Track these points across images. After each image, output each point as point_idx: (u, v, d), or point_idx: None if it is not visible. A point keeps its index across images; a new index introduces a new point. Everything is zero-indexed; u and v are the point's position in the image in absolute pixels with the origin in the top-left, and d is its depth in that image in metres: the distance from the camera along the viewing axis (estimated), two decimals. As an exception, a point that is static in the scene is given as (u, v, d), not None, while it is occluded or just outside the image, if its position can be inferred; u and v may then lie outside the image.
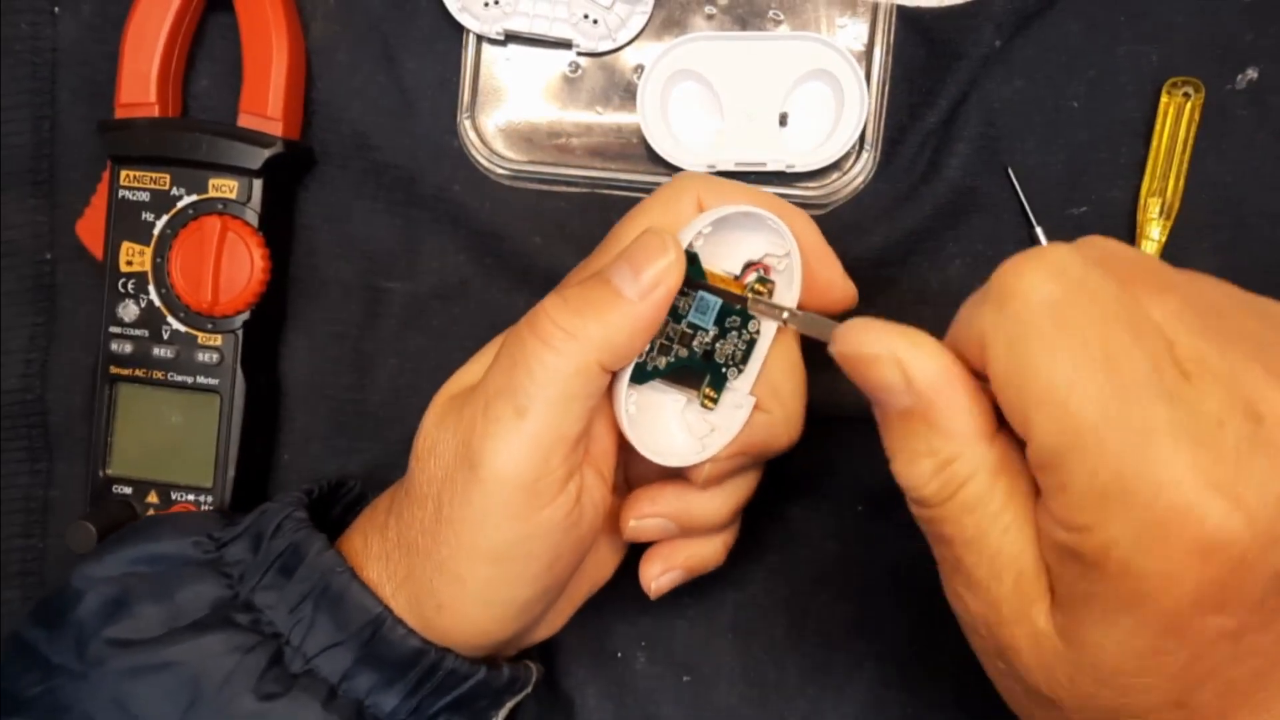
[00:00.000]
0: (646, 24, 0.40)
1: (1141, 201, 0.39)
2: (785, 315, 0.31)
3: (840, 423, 0.41)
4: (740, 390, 0.33)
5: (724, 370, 0.33)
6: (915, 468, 0.26)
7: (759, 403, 0.33)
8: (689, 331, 0.32)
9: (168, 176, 0.38)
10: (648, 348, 0.32)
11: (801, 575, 0.41)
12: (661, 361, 0.32)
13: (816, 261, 0.34)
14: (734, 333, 0.33)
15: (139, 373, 0.39)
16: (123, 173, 0.38)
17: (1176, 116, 0.39)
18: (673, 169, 0.40)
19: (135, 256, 0.39)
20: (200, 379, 0.38)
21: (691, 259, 0.31)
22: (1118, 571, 0.22)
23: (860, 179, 0.40)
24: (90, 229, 0.40)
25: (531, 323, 0.30)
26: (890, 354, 0.26)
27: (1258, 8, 0.39)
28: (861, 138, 0.39)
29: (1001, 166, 0.40)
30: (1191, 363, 0.23)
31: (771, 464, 0.42)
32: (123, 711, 0.31)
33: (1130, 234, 0.40)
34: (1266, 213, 0.39)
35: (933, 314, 0.40)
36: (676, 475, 0.34)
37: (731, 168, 0.39)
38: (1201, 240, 0.39)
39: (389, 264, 0.41)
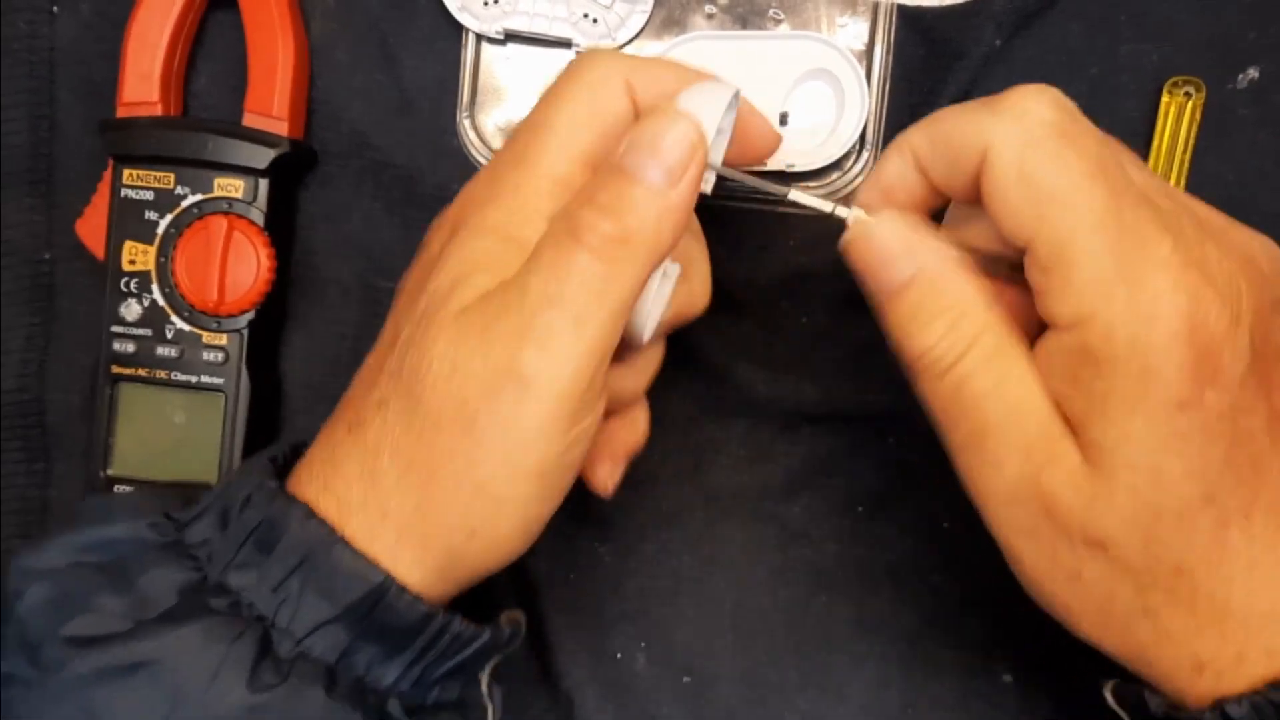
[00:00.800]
0: (646, 23, 0.41)
1: (1142, 201, 0.41)
2: (832, 209, 0.32)
3: (840, 422, 0.42)
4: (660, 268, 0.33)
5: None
6: (928, 329, 0.29)
7: (685, 275, 0.34)
8: None
9: (172, 176, 0.40)
10: None
11: (801, 576, 0.42)
12: None
13: (749, 115, 0.34)
14: None
15: (141, 372, 0.41)
16: (125, 172, 0.40)
17: (1178, 116, 0.40)
18: (673, 168, 0.41)
19: (138, 255, 0.40)
20: (204, 378, 0.40)
21: None
22: (1124, 354, 0.27)
23: (861, 178, 0.41)
24: (90, 228, 0.41)
25: (574, 234, 0.29)
26: (899, 226, 0.30)
27: (1259, 7, 0.41)
28: (862, 137, 0.41)
29: (1002, 166, 0.41)
30: (1143, 185, 0.29)
31: (771, 464, 0.43)
32: None
33: (1131, 233, 0.41)
34: (1268, 212, 0.41)
35: (933, 313, 0.42)
36: None
37: (732, 167, 0.41)
38: (1202, 240, 0.41)
39: (388, 263, 0.43)
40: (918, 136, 0.31)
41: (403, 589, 0.29)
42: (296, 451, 0.34)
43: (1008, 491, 0.29)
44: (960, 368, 0.29)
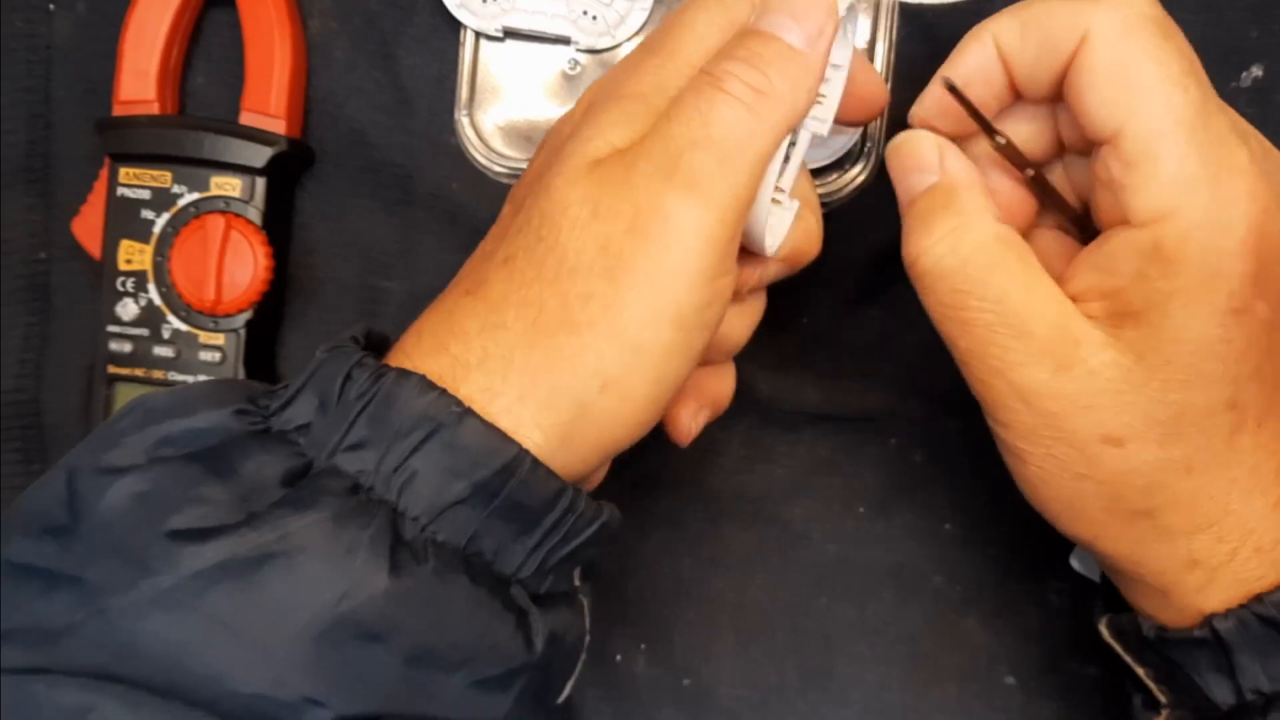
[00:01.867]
0: (646, 20, 0.42)
1: (1144, 200, 0.41)
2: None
3: (841, 422, 0.42)
4: (785, 192, 0.33)
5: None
6: (932, 228, 0.30)
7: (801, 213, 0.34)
8: None
9: (169, 174, 0.40)
10: None
11: (802, 577, 0.43)
12: None
13: (862, 67, 0.34)
14: None
15: (138, 372, 0.41)
16: (122, 170, 0.40)
17: (1180, 114, 0.40)
18: (673, 167, 0.41)
19: (134, 255, 0.40)
20: (201, 378, 0.41)
21: None
22: (1197, 254, 0.28)
23: (862, 177, 0.42)
24: (86, 227, 0.41)
25: (718, 82, 0.29)
26: (934, 139, 0.32)
27: (1262, 6, 0.41)
28: (863, 136, 0.41)
29: (1004, 165, 0.41)
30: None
31: (772, 465, 0.43)
32: (228, 630, 0.25)
33: (1133, 233, 0.41)
34: (1271, 211, 0.41)
35: (934, 313, 0.42)
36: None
37: (732, 166, 0.41)
38: (1205, 239, 0.41)
39: (386, 263, 0.43)
40: (1005, 22, 0.31)
41: (537, 461, 0.27)
42: (372, 337, 0.32)
43: (1018, 395, 0.29)
44: (964, 270, 0.30)
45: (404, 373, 0.27)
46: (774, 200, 0.32)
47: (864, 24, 0.42)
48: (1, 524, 0.27)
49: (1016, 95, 0.32)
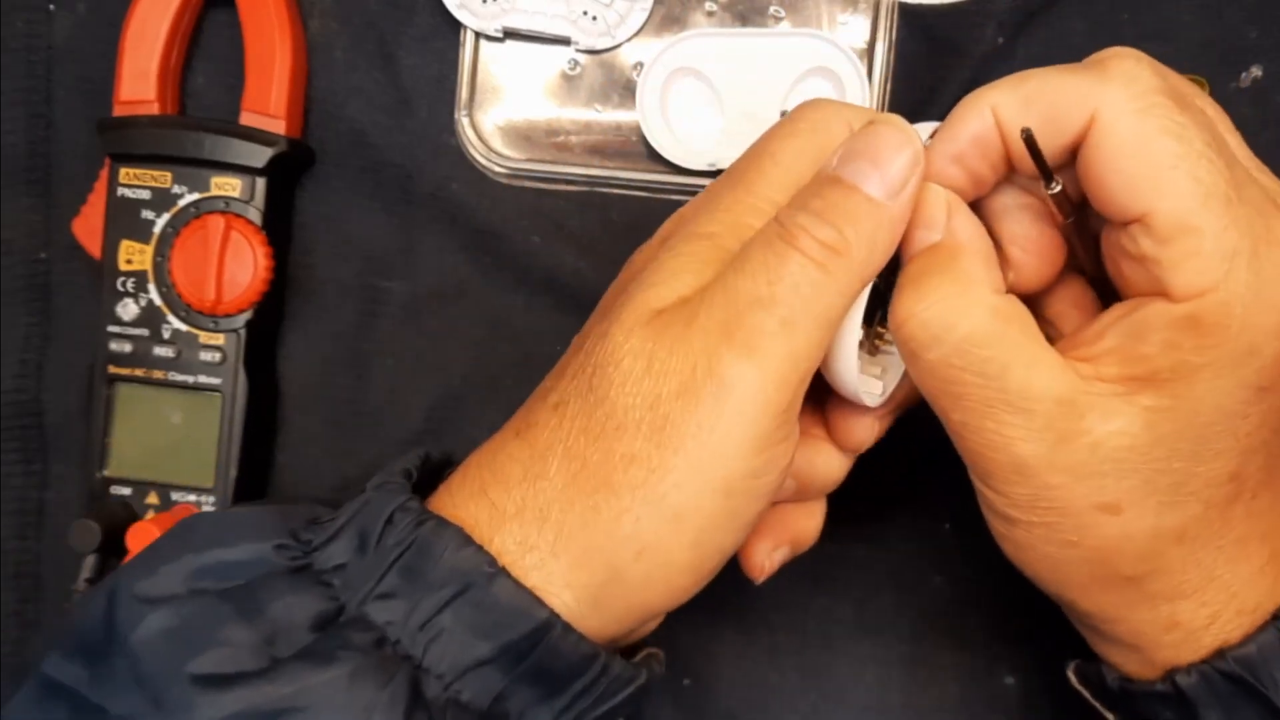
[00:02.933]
0: (646, 21, 0.42)
1: (1144, 200, 0.41)
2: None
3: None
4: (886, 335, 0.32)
5: (883, 288, 0.32)
6: (925, 294, 0.28)
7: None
8: None
9: (169, 175, 0.41)
10: None
11: (802, 577, 0.43)
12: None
13: None
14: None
15: (138, 372, 0.41)
16: (122, 170, 0.41)
17: (1180, 114, 0.41)
18: (673, 167, 0.42)
19: (135, 255, 0.40)
20: (202, 378, 0.41)
21: None
22: (1236, 329, 0.27)
23: (861, 177, 0.41)
24: (87, 227, 0.42)
25: (789, 238, 0.28)
26: (945, 195, 0.30)
27: (1262, 6, 0.41)
28: (863, 136, 0.41)
29: (1004, 165, 0.41)
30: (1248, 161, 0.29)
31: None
32: None
33: (1133, 233, 0.41)
34: (1270, 211, 0.41)
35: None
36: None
37: (732, 166, 0.41)
38: (1205, 239, 0.41)
39: (386, 263, 0.43)
40: (1004, 96, 0.29)
41: (568, 626, 0.27)
42: (429, 463, 0.32)
43: (1015, 469, 0.28)
44: (959, 344, 0.28)
45: (443, 523, 0.27)
46: (875, 345, 0.31)
47: (863, 25, 0.42)
48: (47, 635, 0.28)
49: (1011, 167, 0.30)
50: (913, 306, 0.28)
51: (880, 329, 0.32)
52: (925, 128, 0.30)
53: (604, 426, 0.27)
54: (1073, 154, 0.28)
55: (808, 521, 0.34)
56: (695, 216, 0.30)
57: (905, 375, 0.31)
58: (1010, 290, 0.30)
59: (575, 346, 0.31)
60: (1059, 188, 0.29)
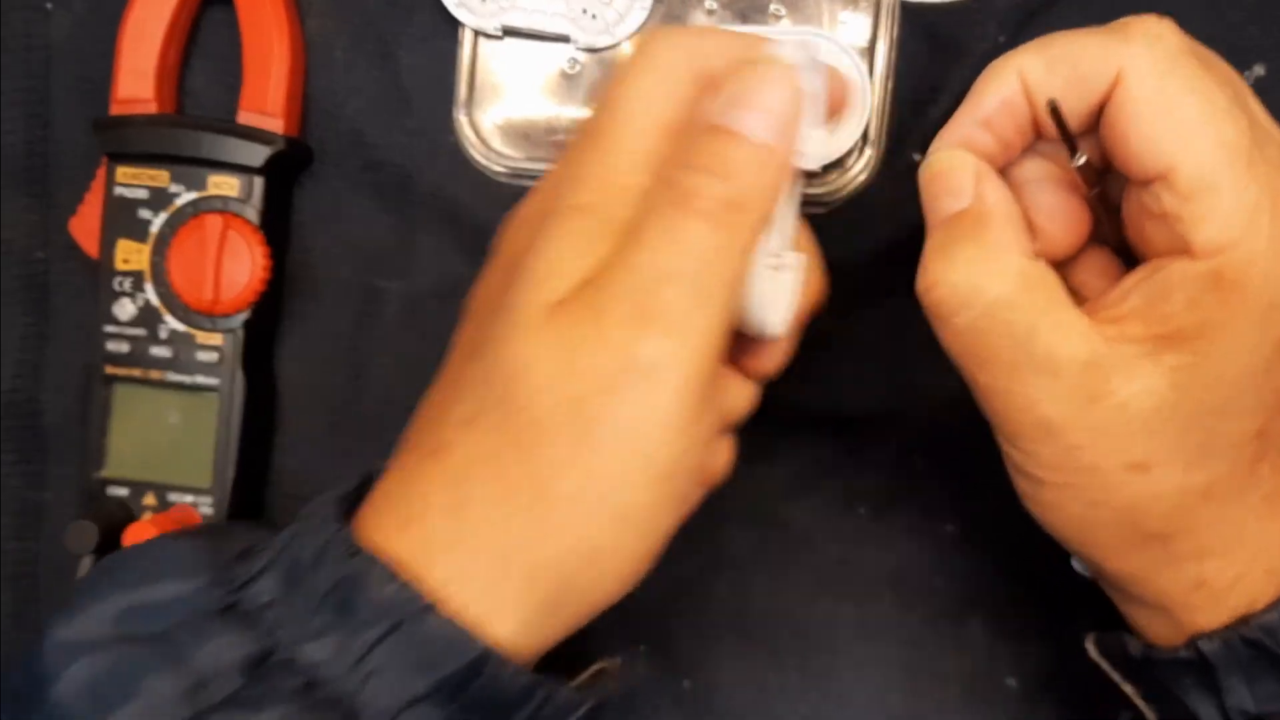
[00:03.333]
0: (646, 19, 0.42)
1: (1147, 199, 0.41)
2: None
3: (841, 423, 0.43)
4: (775, 250, 0.31)
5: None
6: (953, 259, 0.29)
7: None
8: None
9: (166, 174, 0.40)
10: None
11: (802, 578, 0.43)
12: None
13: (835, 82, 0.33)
14: None
15: (135, 372, 0.41)
16: (119, 170, 0.41)
17: (1182, 113, 0.40)
18: (673, 166, 0.41)
19: (132, 254, 0.40)
20: (199, 378, 0.41)
21: None
22: (1258, 284, 0.27)
23: (863, 176, 0.42)
24: (84, 227, 0.41)
25: (684, 199, 0.27)
26: (973, 163, 0.30)
27: (1263, 5, 0.41)
28: (864, 135, 0.41)
29: (1005, 164, 0.41)
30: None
31: (772, 465, 0.43)
32: None
33: (1135, 232, 0.41)
34: (1274, 210, 0.41)
35: (935, 313, 0.42)
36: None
37: (732, 165, 0.41)
38: (1208, 238, 0.41)
39: (384, 262, 0.43)
40: (1030, 60, 0.29)
41: (505, 659, 0.26)
42: (365, 488, 0.30)
43: (1043, 429, 0.28)
44: (987, 307, 0.28)
45: (371, 559, 0.26)
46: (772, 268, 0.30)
47: (864, 23, 0.42)
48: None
49: (1038, 133, 0.31)
50: (942, 273, 0.29)
51: (772, 252, 0.31)
52: (790, 43, 0.29)
53: (527, 436, 0.26)
54: (1098, 117, 0.29)
55: (717, 460, 0.33)
56: (564, 186, 0.29)
57: (795, 293, 0.31)
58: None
59: (465, 354, 0.29)
60: (1084, 159, 0.30)
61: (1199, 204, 0.27)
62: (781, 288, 0.31)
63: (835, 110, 0.33)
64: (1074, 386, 0.28)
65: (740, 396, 0.33)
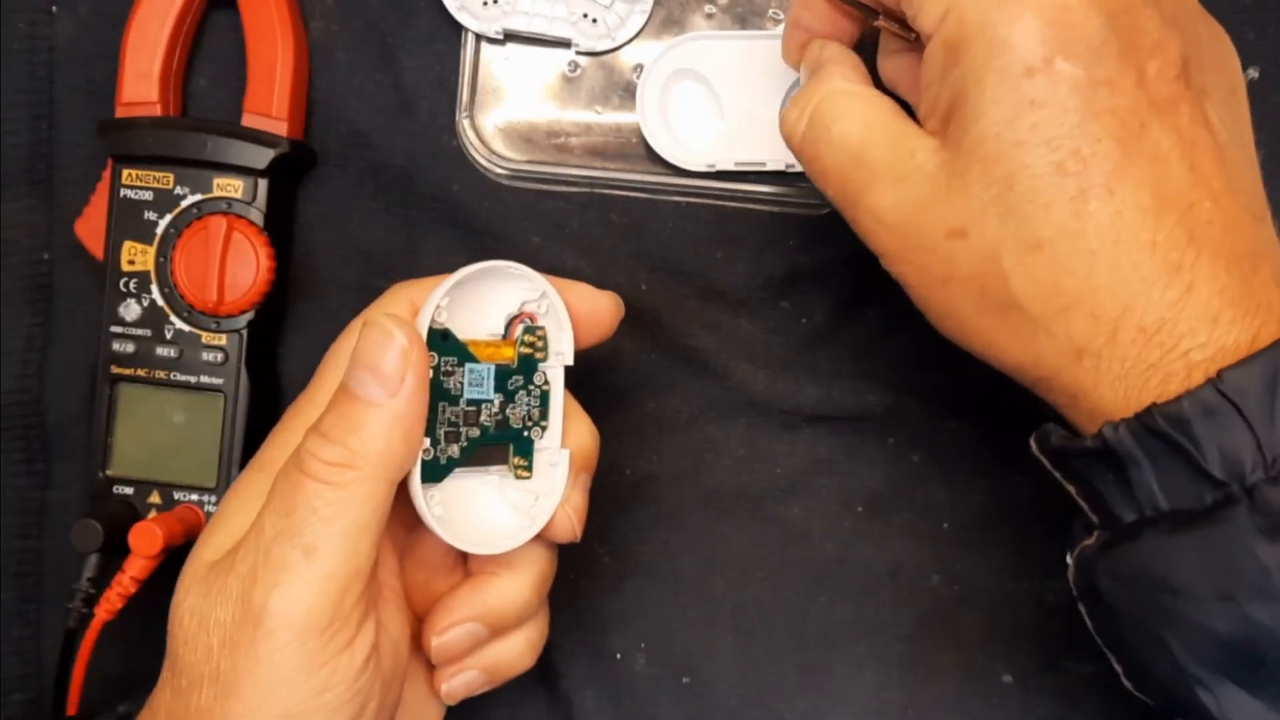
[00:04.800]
0: (646, 23, 0.42)
1: (1141, 201, 0.41)
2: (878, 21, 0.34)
3: (839, 423, 0.43)
4: (551, 447, 0.34)
5: (525, 433, 0.34)
6: (796, 103, 0.33)
7: (569, 434, 0.35)
8: (471, 409, 0.33)
9: (171, 176, 0.41)
10: (433, 441, 0.32)
11: (801, 576, 0.43)
12: (454, 450, 0.33)
13: (567, 290, 0.35)
14: (522, 392, 0.34)
15: (141, 372, 0.41)
16: (124, 172, 0.41)
17: (1177, 116, 0.41)
18: (672, 169, 0.42)
19: (137, 256, 0.41)
20: (204, 379, 0.41)
21: (444, 335, 0.32)
22: (975, 33, 0.28)
23: (860, 179, 0.42)
24: (90, 228, 0.42)
25: (300, 466, 0.30)
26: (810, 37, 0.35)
27: (1258, 7, 0.42)
28: (861, 137, 0.41)
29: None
30: None
31: (771, 464, 0.44)
32: None
33: (1130, 234, 0.42)
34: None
35: (933, 313, 0.42)
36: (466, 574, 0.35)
37: (731, 167, 0.41)
38: (1202, 240, 0.41)
39: (387, 264, 0.43)
40: None
41: None
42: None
43: (874, 218, 0.31)
44: (811, 124, 0.32)
45: None
46: (518, 475, 0.34)
47: (862, 26, 0.42)
48: None
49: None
50: (788, 116, 0.33)
51: (518, 460, 0.34)
52: (444, 286, 0.32)
53: (182, 686, 0.30)
54: None
55: (504, 649, 0.35)
56: (267, 445, 0.33)
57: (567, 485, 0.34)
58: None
59: None
60: (881, 20, 0.33)
61: None
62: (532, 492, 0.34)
63: (598, 326, 0.35)
64: (885, 169, 0.30)
65: (400, 624, 0.34)
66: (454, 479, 0.33)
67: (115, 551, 0.39)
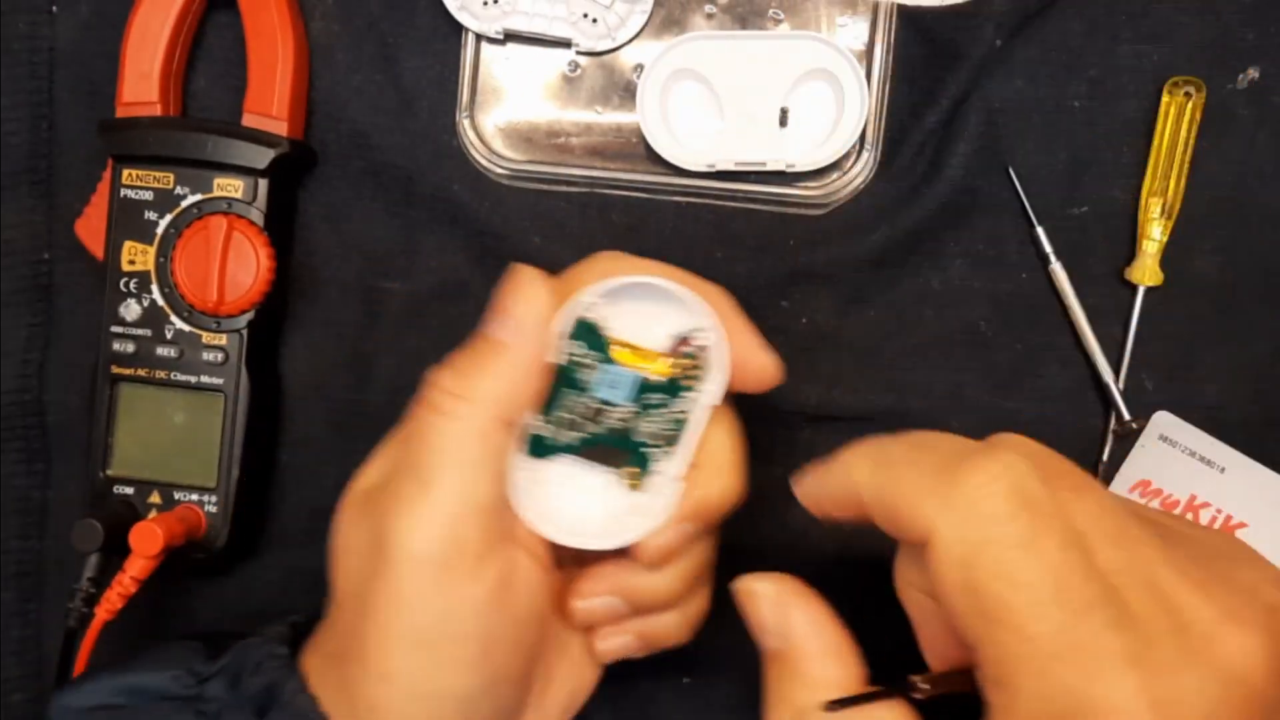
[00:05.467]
0: (646, 23, 0.42)
1: (1143, 202, 0.41)
2: None
3: (840, 423, 0.43)
4: (668, 473, 0.34)
5: (645, 450, 0.34)
6: (779, 711, 0.30)
7: (698, 477, 0.34)
8: (599, 407, 0.33)
9: (171, 176, 0.41)
10: (547, 420, 0.33)
11: (801, 576, 0.43)
12: (569, 436, 0.33)
13: (734, 335, 0.34)
14: (657, 410, 0.34)
15: (141, 372, 0.41)
16: (125, 172, 0.41)
17: (1178, 116, 0.41)
18: (673, 169, 0.42)
19: (137, 255, 0.41)
20: (204, 378, 0.41)
21: (589, 329, 0.33)
22: None
23: (861, 179, 0.42)
24: (90, 228, 0.42)
25: (424, 394, 0.31)
26: (773, 594, 0.32)
27: (1259, 7, 0.42)
28: (862, 137, 0.41)
29: (1002, 166, 0.42)
30: (1115, 574, 0.25)
31: (771, 464, 0.44)
32: None
33: (1131, 234, 0.42)
34: (1268, 213, 0.42)
35: (933, 314, 0.43)
36: (620, 553, 0.35)
37: (731, 167, 0.41)
38: (1203, 240, 0.42)
39: (388, 264, 0.43)
40: (864, 476, 0.29)
41: None
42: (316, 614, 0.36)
43: None
44: None
45: (294, 672, 0.33)
46: (630, 484, 0.34)
47: (862, 26, 0.42)
48: None
49: (867, 517, 0.31)
50: (769, 711, 0.31)
51: (630, 470, 0.34)
52: (611, 283, 0.33)
53: (334, 607, 0.33)
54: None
55: (659, 623, 0.36)
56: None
57: (680, 501, 0.34)
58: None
59: None
60: (926, 689, 0.29)
61: (1001, 697, 0.25)
62: (645, 499, 0.34)
63: (753, 382, 0.35)
64: None
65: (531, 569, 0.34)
66: (562, 463, 0.34)
67: (115, 551, 0.39)
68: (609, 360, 0.33)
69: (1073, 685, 0.24)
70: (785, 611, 0.31)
